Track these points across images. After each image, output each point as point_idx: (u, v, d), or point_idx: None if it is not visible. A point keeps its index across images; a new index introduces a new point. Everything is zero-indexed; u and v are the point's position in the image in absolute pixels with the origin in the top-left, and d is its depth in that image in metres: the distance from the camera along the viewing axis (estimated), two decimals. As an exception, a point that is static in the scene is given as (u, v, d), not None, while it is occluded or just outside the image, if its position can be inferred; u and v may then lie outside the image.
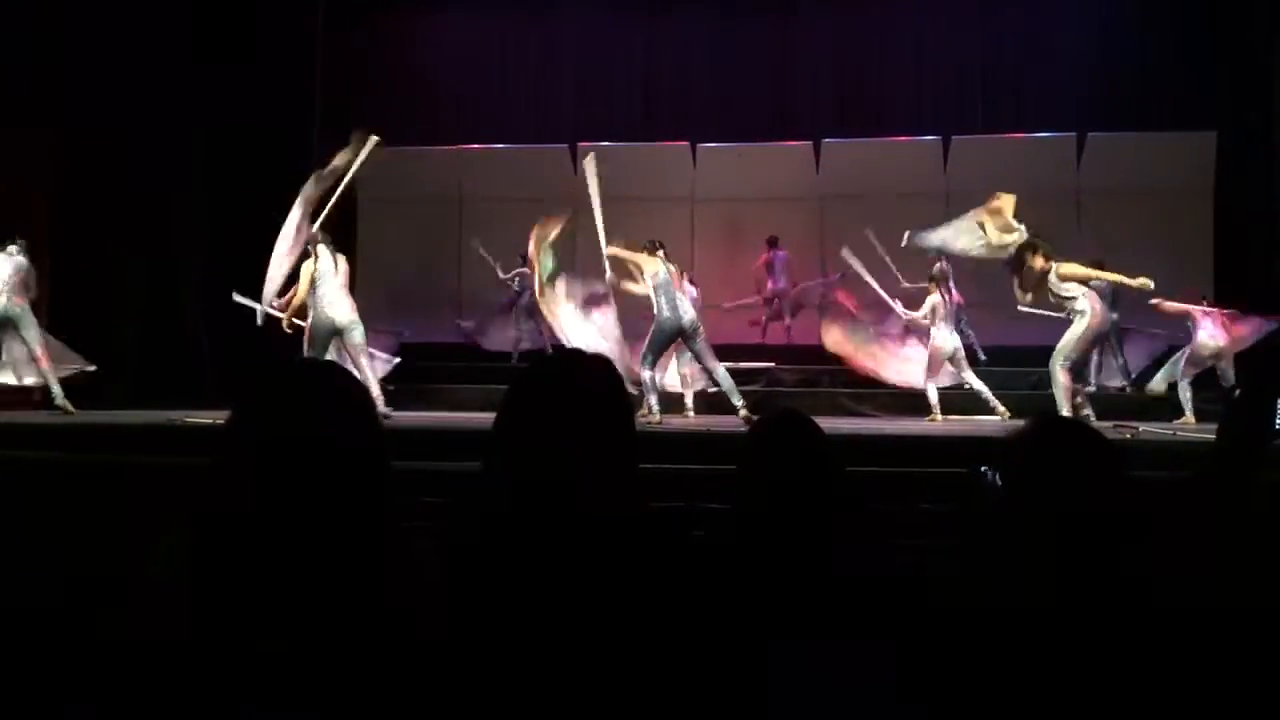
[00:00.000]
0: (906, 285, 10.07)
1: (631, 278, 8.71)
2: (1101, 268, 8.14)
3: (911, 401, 9.80)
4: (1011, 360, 10.62)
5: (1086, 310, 7.64)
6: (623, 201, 12.87)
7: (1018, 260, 7.94)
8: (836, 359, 9.95)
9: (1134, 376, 10.53)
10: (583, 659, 1.44)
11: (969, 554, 1.92)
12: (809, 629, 1.88)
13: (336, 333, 8.09)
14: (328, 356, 8.18)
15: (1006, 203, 8.41)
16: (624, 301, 9.01)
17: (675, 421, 8.68)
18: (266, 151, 12.07)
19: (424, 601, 1.47)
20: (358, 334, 8.11)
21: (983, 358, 9.93)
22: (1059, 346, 7.79)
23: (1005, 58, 13.42)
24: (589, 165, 8.64)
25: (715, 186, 12.72)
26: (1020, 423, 1.90)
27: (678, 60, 13.98)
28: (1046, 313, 8.44)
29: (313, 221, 8.15)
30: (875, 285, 10.01)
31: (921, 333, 9.62)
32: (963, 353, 9.44)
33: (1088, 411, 7.57)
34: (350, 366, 8.03)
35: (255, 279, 10.97)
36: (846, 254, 10.08)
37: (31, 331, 8.51)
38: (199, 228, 12.04)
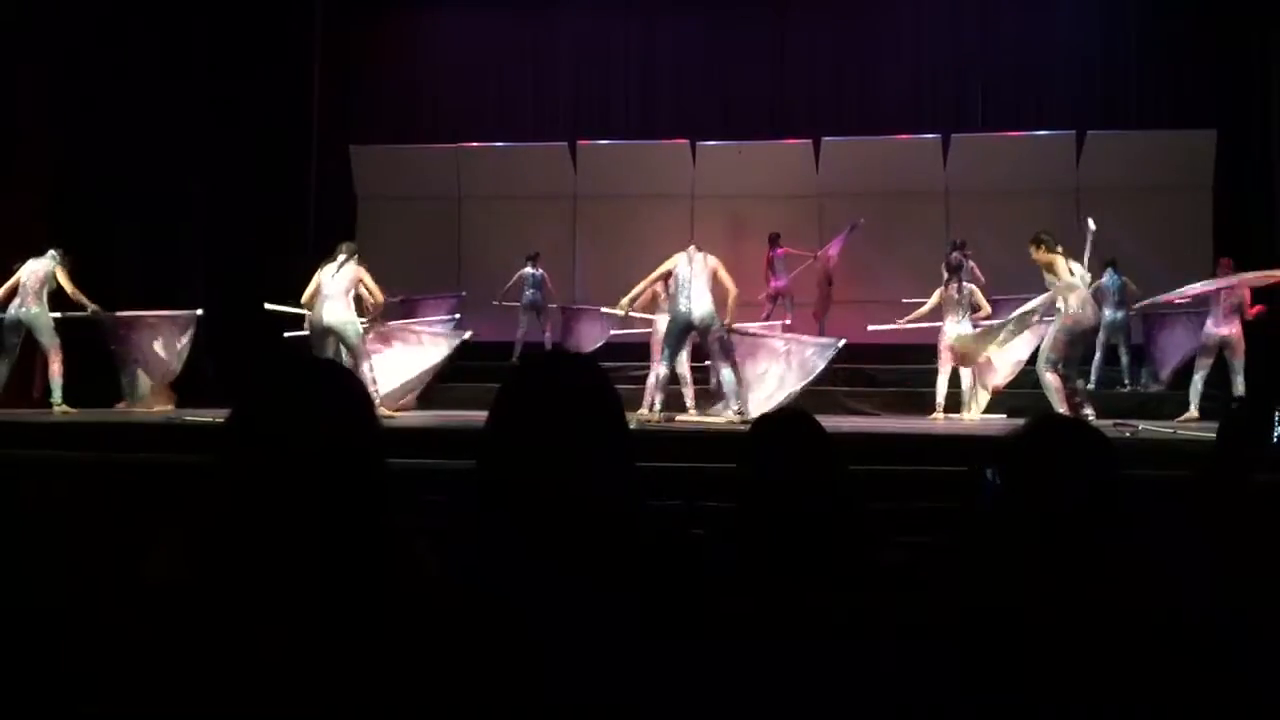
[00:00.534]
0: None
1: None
2: (1108, 266, 8.10)
3: (912, 400, 9.80)
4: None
5: (1063, 308, 7.59)
6: (622, 199, 12.90)
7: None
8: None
9: (1163, 374, 10.43)
10: (582, 658, 1.44)
11: (968, 553, 1.92)
12: (807, 627, 1.88)
13: (330, 333, 8.15)
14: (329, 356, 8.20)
15: None
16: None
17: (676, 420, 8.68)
18: (266, 151, 12.08)
19: (423, 600, 1.47)
20: (351, 334, 8.17)
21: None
22: (1041, 347, 7.81)
23: (1005, 56, 13.42)
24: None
25: (715, 185, 12.72)
26: (1020, 421, 1.90)
27: (677, 58, 13.98)
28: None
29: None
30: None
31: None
32: None
33: (1088, 410, 7.53)
34: (362, 366, 8.09)
35: (254, 278, 11.01)
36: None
37: (45, 337, 8.58)
38: (198, 227, 12.04)
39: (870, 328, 9.67)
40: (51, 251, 8.69)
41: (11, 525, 2.00)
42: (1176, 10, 12.59)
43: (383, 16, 13.76)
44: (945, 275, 9.54)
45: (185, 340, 9.24)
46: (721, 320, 8.15)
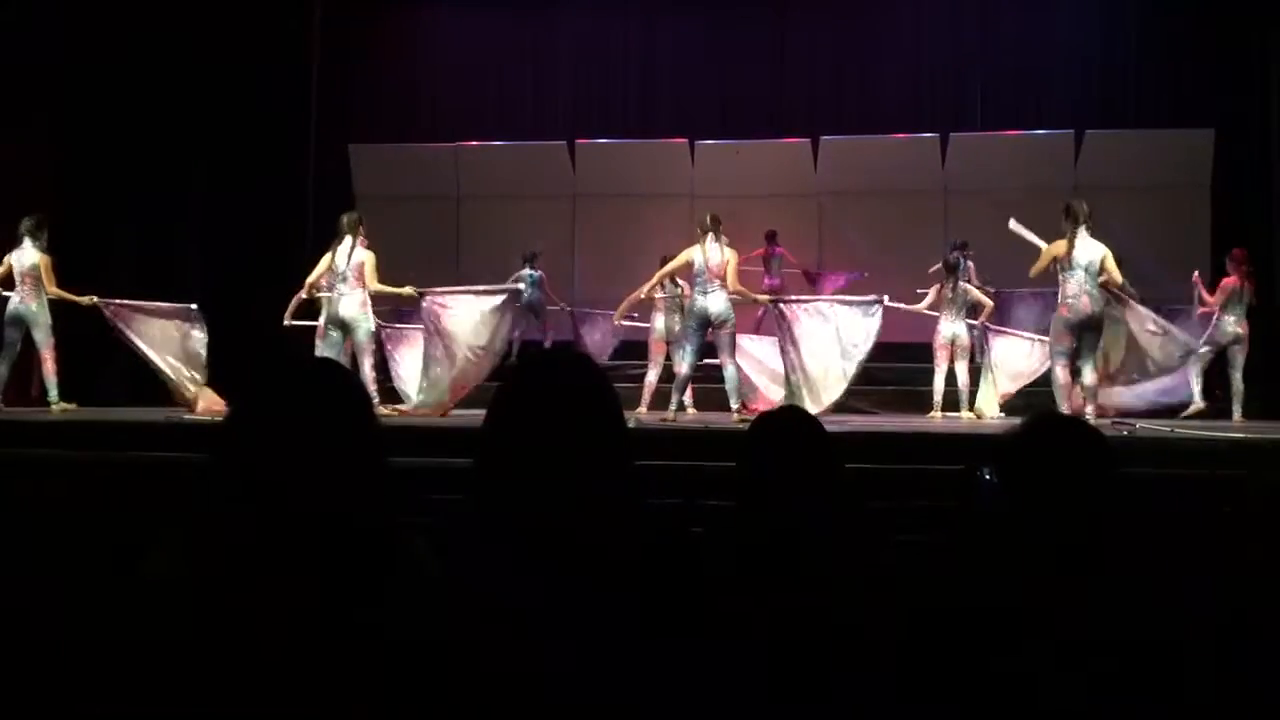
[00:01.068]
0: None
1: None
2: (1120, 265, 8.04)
3: (911, 398, 9.80)
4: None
5: (1059, 296, 7.55)
6: (621, 199, 12.89)
7: None
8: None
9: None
10: (582, 658, 1.44)
11: (966, 552, 1.92)
12: (812, 625, 1.88)
13: (343, 328, 8.00)
14: (328, 354, 8.14)
15: None
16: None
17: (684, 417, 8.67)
18: (264, 150, 12.07)
19: (424, 598, 1.48)
20: (362, 333, 7.99)
21: (978, 359, 9.92)
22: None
23: (1003, 55, 13.42)
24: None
25: (714, 184, 12.71)
26: (1018, 420, 1.90)
27: (676, 57, 13.98)
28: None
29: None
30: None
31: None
32: (964, 342, 9.43)
33: (1089, 409, 7.50)
34: (364, 365, 8.00)
35: (253, 278, 11.01)
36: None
37: (40, 334, 8.46)
38: (196, 226, 12.03)
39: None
40: (27, 240, 8.45)
41: (10, 525, 2.00)
42: (1175, 9, 12.59)
43: (382, 15, 13.75)
44: (943, 274, 9.55)
45: (198, 335, 8.93)
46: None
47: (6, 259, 8.46)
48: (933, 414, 9.31)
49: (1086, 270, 7.34)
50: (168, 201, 11.65)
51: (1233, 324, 9.06)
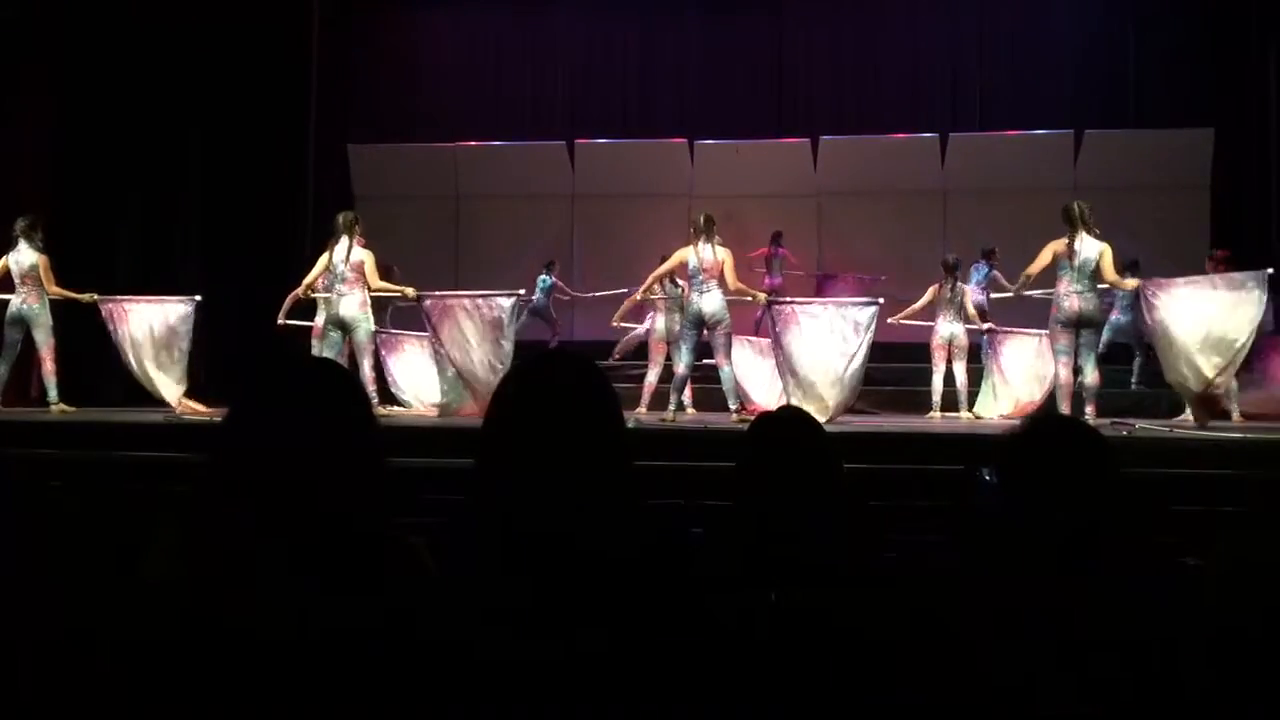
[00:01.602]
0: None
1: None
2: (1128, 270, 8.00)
3: (910, 398, 9.80)
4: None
5: (1053, 297, 7.59)
6: (620, 199, 12.90)
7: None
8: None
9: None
10: (581, 657, 1.44)
11: (965, 551, 1.92)
12: (809, 625, 1.88)
13: (343, 328, 7.97)
14: (327, 354, 8.12)
15: None
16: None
17: (683, 417, 8.67)
18: (263, 150, 12.07)
19: (422, 598, 1.48)
20: (362, 333, 7.97)
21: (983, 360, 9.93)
22: None
23: (1002, 55, 13.43)
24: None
25: (713, 184, 12.72)
26: (1017, 421, 1.90)
27: (675, 57, 13.99)
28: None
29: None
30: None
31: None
32: (962, 342, 9.43)
33: (1089, 409, 7.51)
34: (364, 365, 7.97)
35: (252, 278, 11.01)
36: None
37: (40, 334, 8.45)
38: (195, 226, 12.03)
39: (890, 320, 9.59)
40: (24, 239, 8.44)
41: (9, 524, 1.99)
42: (1174, 9, 12.60)
43: (381, 15, 13.76)
44: (942, 273, 9.55)
45: (184, 330, 8.72)
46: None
47: (3, 261, 8.45)
48: (931, 414, 9.31)
49: (1080, 270, 7.39)
50: (167, 201, 11.65)
51: None
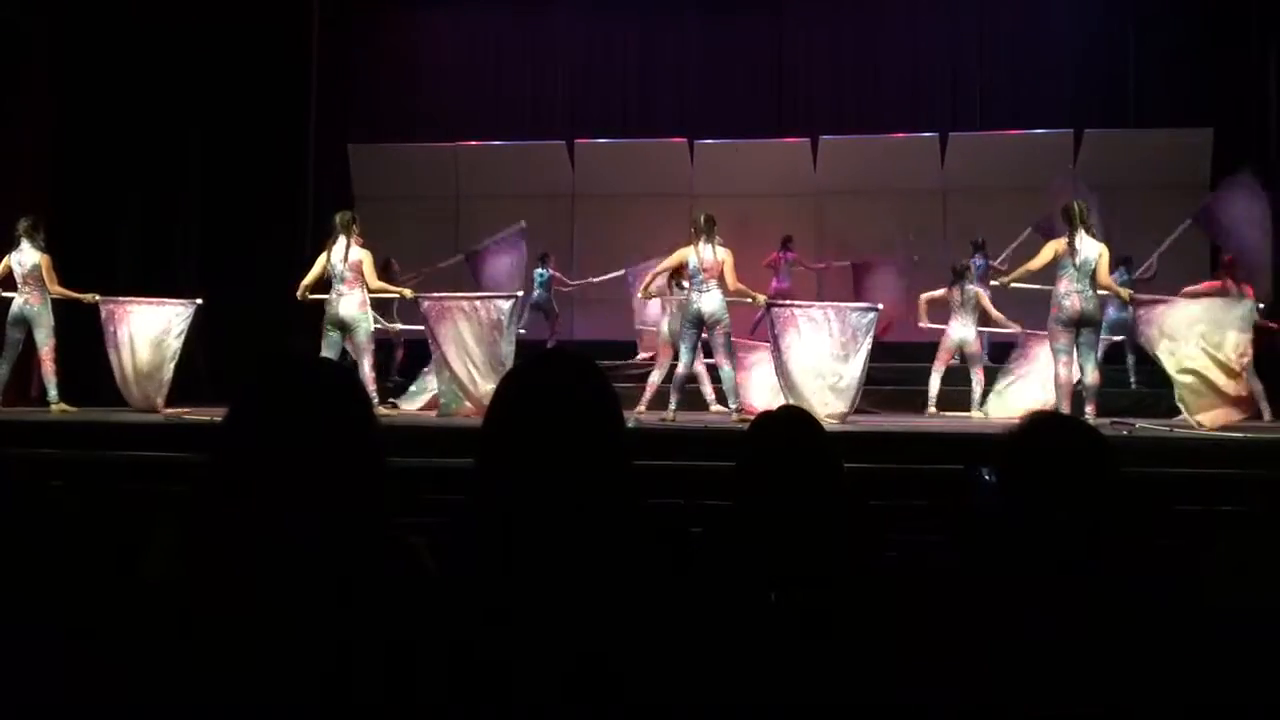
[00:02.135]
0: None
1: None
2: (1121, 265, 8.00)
3: (911, 398, 9.79)
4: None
5: (1053, 295, 7.60)
6: (620, 198, 12.90)
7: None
8: None
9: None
10: (581, 656, 1.44)
11: (965, 551, 1.92)
12: (809, 625, 1.88)
13: (342, 327, 7.97)
14: (327, 354, 8.11)
15: None
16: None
17: (705, 416, 8.67)
18: (263, 150, 12.07)
19: (422, 598, 1.48)
20: (362, 332, 7.97)
21: (986, 357, 9.92)
22: None
23: (1002, 55, 13.43)
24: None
25: (713, 183, 12.72)
26: (1016, 420, 1.90)
27: (675, 57, 13.98)
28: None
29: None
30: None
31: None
32: (973, 349, 9.43)
33: (1089, 409, 7.52)
34: (364, 365, 7.96)
35: (252, 278, 11.01)
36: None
37: (41, 334, 8.46)
38: (195, 226, 12.03)
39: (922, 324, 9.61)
40: (27, 239, 8.45)
41: (9, 524, 1.99)
42: (1174, 9, 12.60)
43: (381, 15, 13.75)
44: (951, 277, 9.57)
45: (177, 331, 8.75)
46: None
47: (6, 260, 8.46)
48: (930, 410, 9.32)
49: (1080, 269, 7.41)
50: (167, 201, 11.64)
51: None
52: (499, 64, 14.08)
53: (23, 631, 1.57)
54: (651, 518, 1.62)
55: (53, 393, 8.46)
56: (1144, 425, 7.73)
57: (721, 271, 7.88)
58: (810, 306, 8.57)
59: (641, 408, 8.79)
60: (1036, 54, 13.27)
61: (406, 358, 11.10)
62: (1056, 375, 7.59)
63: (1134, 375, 10.56)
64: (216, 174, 11.89)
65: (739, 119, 13.50)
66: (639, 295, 8.69)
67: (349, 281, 7.89)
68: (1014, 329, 9.53)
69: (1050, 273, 7.63)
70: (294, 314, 9.01)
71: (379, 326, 9.65)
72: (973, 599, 1.73)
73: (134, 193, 11.24)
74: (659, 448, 6.34)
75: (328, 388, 1.53)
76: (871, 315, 8.14)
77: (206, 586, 1.39)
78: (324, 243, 8.19)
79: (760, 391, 8.84)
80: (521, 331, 9.45)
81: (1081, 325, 7.49)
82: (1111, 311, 9.81)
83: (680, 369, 8.16)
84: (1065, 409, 7.22)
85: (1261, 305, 8.78)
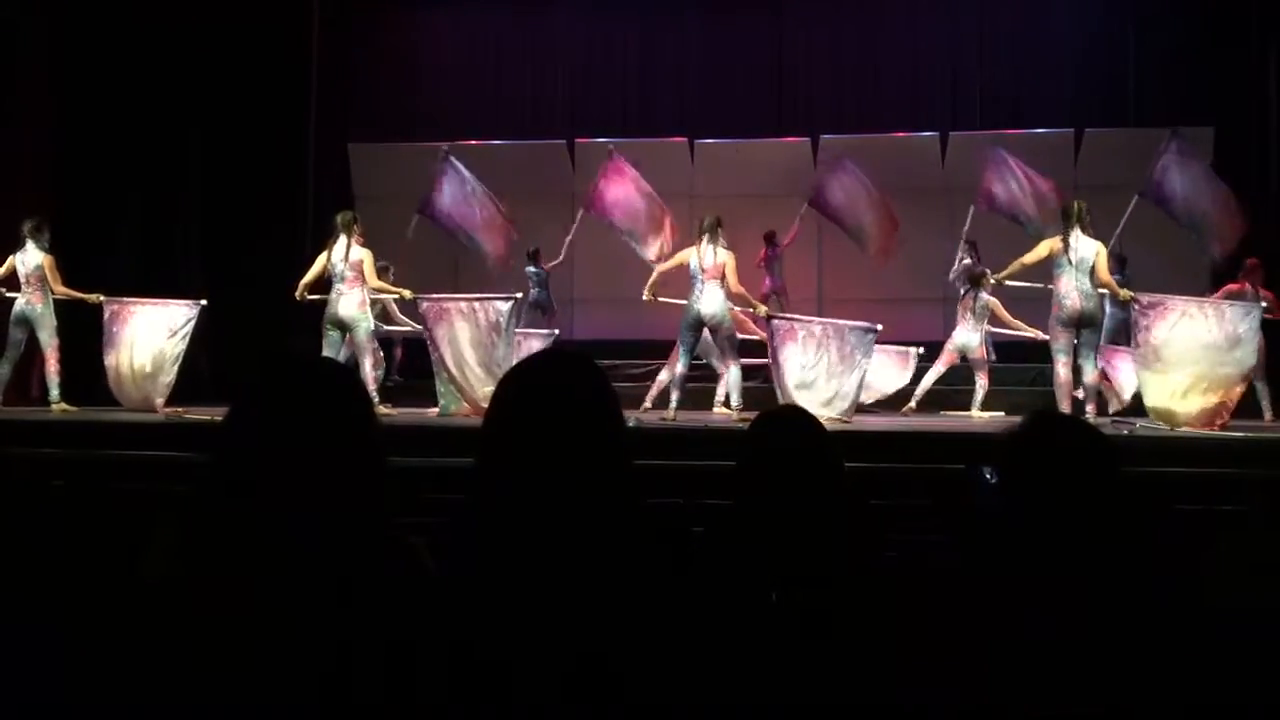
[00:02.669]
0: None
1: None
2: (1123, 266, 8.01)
3: (910, 396, 9.79)
4: (1015, 356, 10.62)
5: (1053, 295, 7.61)
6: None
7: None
8: None
9: None
10: (581, 656, 1.44)
11: (966, 551, 1.92)
12: (809, 625, 1.88)
13: (341, 326, 7.99)
14: (327, 353, 8.12)
15: None
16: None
17: (710, 416, 8.66)
18: (263, 149, 12.07)
19: (422, 598, 1.47)
20: (362, 332, 7.98)
21: (992, 356, 9.91)
22: None
23: (1002, 54, 13.42)
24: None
25: (713, 183, 12.71)
26: (1017, 419, 1.90)
27: (675, 56, 13.98)
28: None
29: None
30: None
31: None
32: (975, 356, 9.41)
33: (1089, 408, 7.52)
34: (365, 364, 7.97)
35: (252, 277, 11.01)
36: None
37: (45, 334, 8.47)
38: (195, 226, 12.03)
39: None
40: (31, 240, 8.46)
41: (8, 523, 1.99)
42: (1174, 8, 12.60)
43: (381, 14, 13.75)
44: (966, 285, 9.59)
45: (181, 333, 8.75)
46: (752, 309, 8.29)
47: (10, 260, 8.49)
48: (909, 406, 9.32)
49: (1078, 268, 7.43)
50: (167, 201, 11.65)
51: None
52: (499, 63, 14.07)
53: (23, 630, 1.57)
54: (652, 517, 1.62)
55: (54, 392, 8.47)
56: (1144, 425, 7.73)
57: (723, 274, 7.87)
58: (811, 322, 8.55)
59: (647, 404, 8.81)
60: (1037, 53, 13.27)
61: (405, 357, 11.11)
62: (1055, 375, 7.61)
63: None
64: (216, 174, 11.89)
65: (739, 118, 13.49)
66: (645, 296, 8.63)
67: (349, 281, 7.91)
68: (1030, 333, 9.36)
69: (1045, 271, 7.65)
70: (294, 314, 9.01)
71: (400, 327, 9.64)
72: (973, 599, 1.72)
73: (134, 193, 11.24)
74: (659, 447, 6.34)
75: (328, 387, 1.53)
76: (871, 335, 8.17)
77: (206, 586, 1.39)
78: (324, 242, 8.21)
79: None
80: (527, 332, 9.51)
81: (1082, 325, 7.50)
82: (1110, 309, 9.80)
83: (679, 369, 8.15)
84: (1065, 409, 7.22)
85: (1264, 304, 8.76)
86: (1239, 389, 7.59)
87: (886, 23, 13.75)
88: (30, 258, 8.43)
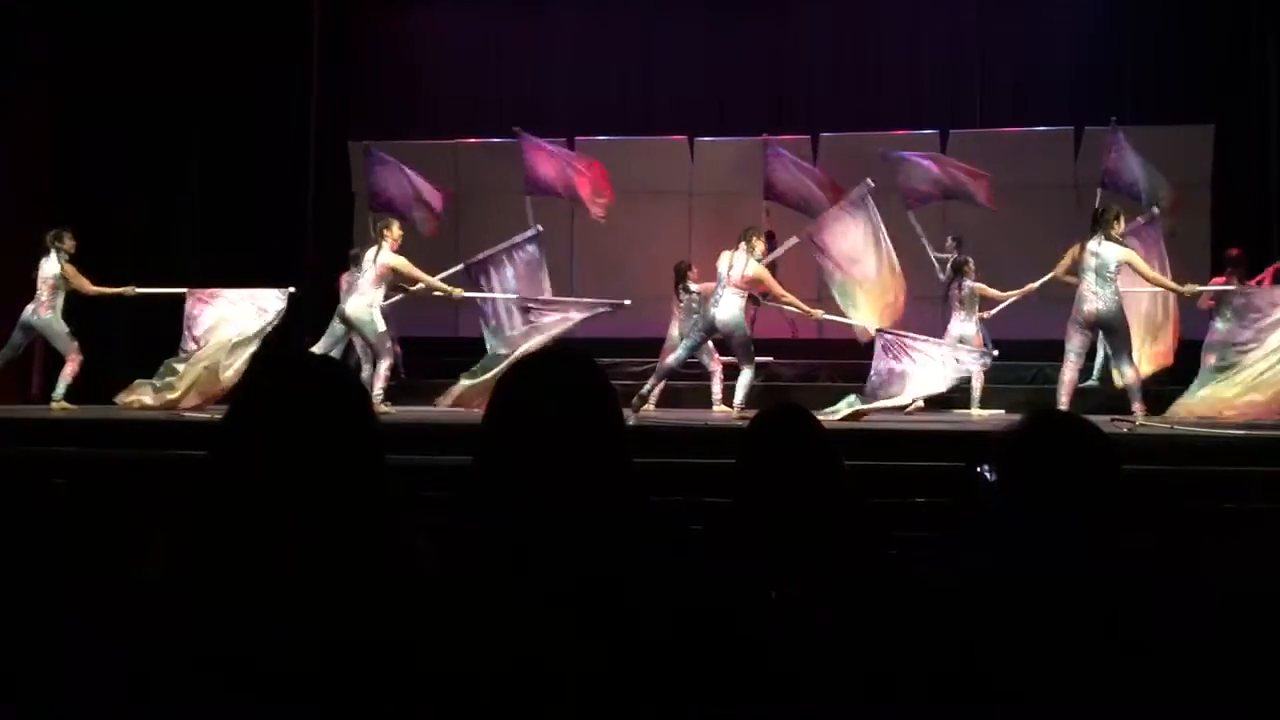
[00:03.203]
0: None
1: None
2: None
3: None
4: (1015, 354, 10.62)
5: (1076, 296, 7.66)
6: (620, 196, 12.86)
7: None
8: None
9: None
10: (581, 655, 1.44)
11: (966, 549, 1.92)
12: (810, 621, 1.88)
13: (346, 323, 8.10)
14: (325, 343, 8.19)
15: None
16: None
17: (707, 414, 8.67)
18: (263, 148, 12.07)
19: (422, 597, 1.47)
20: (369, 332, 8.08)
21: (994, 352, 9.90)
22: None
23: (1002, 51, 13.41)
24: None
25: (713, 181, 12.71)
26: (1016, 417, 1.90)
27: (675, 54, 13.96)
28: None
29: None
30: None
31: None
32: (972, 342, 9.42)
33: (1136, 407, 7.48)
34: (381, 364, 8.03)
35: (252, 276, 10.99)
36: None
37: (60, 344, 8.49)
38: (195, 225, 12.03)
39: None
40: (53, 249, 8.48)
41: (8, 522, 1.99)
42: (1174, 5, 12.59)
43: (381, 12, 13.74)
44: (951, 275, 9.60)
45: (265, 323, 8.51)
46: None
47: (39, 265, 8.52)
48: (914, 404, 9.30)
49: (1096, 272, 7.48)
50: (167, 199, 11.65)
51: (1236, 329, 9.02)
52: (499, 60, 14.06)
53: (23, 629, 1.57)
54: (652, 516, 1.62)
55: (59, 390, 8.46)
56: (1144, 423, 7.73)
57: (743, 284, 7.91)
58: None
59: (650, 406, 8.82)
60: (1037, 50, 13.26)
61: (404, 356, 11.10)
62: (1061, 373, 7.67)
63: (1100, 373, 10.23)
64: (216, 172, 11.89)
65: (739, 116, 13.48)
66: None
67: (369, 282, 8.09)
68: (1020, 293, 9.34)
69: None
70: (295, 313, 9.03)
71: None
72: (973, 598, 1.72)
73: (134, 190, 11.24)
74: (660, 446, 6.34)
75: (325, 385, 1.53)
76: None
77: (206, 585, 1.39)
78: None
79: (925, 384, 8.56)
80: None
81: (1101, 328, 7.55)
82: None
83: (670, 360, 8.19)
84: (1064, 407, 7.24)
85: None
86: None
87: (886, 20, 13.74)
88: (49, 266, 8.46)
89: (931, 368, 8.14)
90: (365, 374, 8.43)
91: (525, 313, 8.47)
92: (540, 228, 9.03)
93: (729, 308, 7.87)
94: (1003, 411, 9.26)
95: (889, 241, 9.42)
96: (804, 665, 1.79)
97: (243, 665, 1.35)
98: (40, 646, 1.51)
